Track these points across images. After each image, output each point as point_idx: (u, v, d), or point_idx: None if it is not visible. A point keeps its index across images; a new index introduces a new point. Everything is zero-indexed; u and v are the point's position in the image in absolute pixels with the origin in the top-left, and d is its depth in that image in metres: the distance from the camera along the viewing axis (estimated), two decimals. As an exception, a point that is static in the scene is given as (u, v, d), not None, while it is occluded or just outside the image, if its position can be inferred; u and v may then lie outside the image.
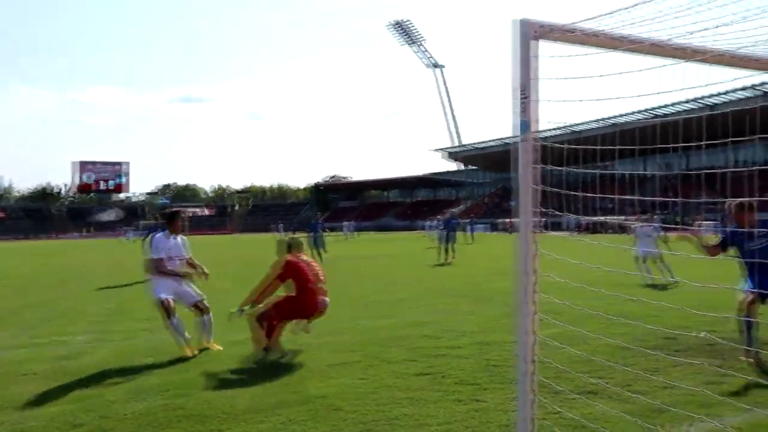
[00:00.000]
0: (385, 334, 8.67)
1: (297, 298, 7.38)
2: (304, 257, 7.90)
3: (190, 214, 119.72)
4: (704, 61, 3.21)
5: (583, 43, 3.20)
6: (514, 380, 3.97)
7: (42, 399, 5.86)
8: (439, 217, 37.00)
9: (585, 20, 3.07)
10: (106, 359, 7.47)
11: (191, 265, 8.02)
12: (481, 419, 4.96)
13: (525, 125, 3.22)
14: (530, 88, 3.17)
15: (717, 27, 2.85)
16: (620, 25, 3.03)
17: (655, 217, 16.30)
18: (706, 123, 3.52)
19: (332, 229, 49.30)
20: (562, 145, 4.21)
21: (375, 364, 6.89)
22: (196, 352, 7.52)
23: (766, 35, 3.13)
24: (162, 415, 5.25)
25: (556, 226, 41.33)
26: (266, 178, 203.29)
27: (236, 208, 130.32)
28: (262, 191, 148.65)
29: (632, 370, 5.92)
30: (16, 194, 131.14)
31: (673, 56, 3.21)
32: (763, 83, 47.47)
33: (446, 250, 23.77)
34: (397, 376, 6.33)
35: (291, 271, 7.40)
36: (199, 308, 7.80)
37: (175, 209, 8.69)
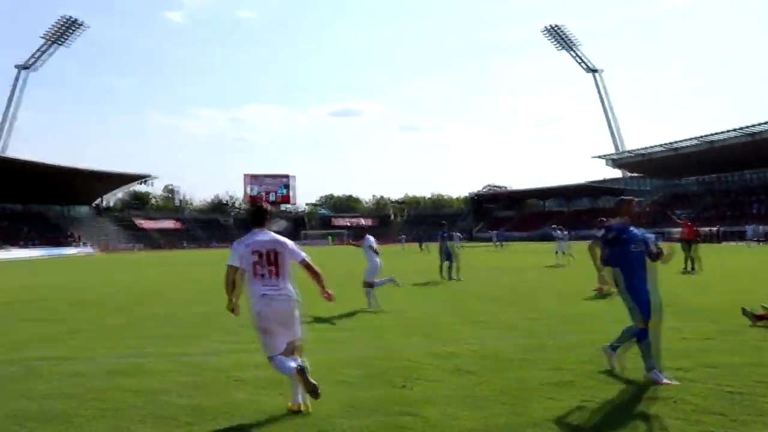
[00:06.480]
0: (590, 351, 8.01)
1: None
2: None
3: (348, 224, 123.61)
4: None
5: None
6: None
7: (257, 408, 5.87)
8: (554, 225, 35.73)
9: None
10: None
11: None
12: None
13: None
14: None
15: None
16: None
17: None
18: None
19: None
20: None
21: (595, 385, 6.35)
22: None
23: None
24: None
25: None
26: (423, 189, 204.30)
27: (393, 218, 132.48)
28: (417, 202, 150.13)
29: None
30: (191, 207, 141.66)
31: None
32: None
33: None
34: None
35: None
36: None
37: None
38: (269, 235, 5.82)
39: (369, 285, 13.73)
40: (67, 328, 11.71)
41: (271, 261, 5.65)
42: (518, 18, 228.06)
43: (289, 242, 5.87)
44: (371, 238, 14.22)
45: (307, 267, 5.81)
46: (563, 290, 16.26)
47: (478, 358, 7.76)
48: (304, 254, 5.79)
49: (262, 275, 5.62)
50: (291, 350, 5.71)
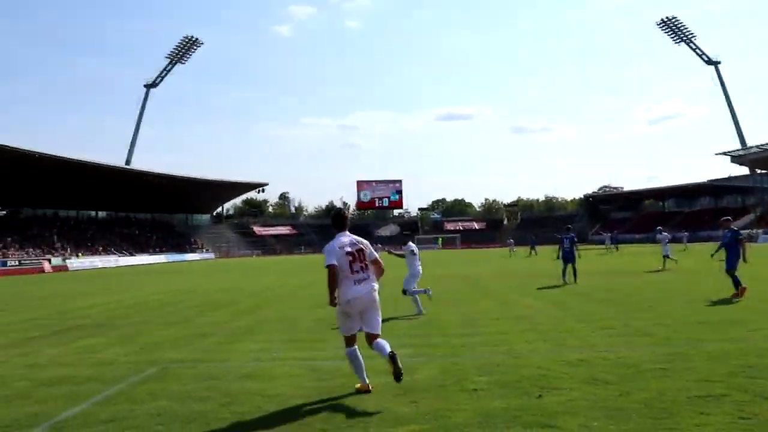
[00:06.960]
0: (739, 362, 7.41)
1: None
2: None
3: (460, 227, 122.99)
4: None
5: None
6: None
7: (387, 416, 5.75)
8: (659, 228, 33.86)
9: None
10: (437, 377, 7.27)
11: None
12: None
13: None
14: None
15: None
16: None
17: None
18: None
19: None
20: None
21: (750, 399, 5.81)
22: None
23: None
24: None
25: None
26: (535, 191, 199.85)
27: (505, 221, 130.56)
28: (530, 204, 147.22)
29: None
30: (305, 213, 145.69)
31: None
32: None
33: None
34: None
35: None
36: None
37: None
38: (351, 236, 6.75)
39: (404, 292, 13.79)
40: (195, 331, 12.14)
41: (360, 258, 6.57)
42: (627, 11, 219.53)
43: (366, 242, 6.84)
44: (412, 244, 14.08)
45: (377, 264, 6.74)
46: (689, 295, 15.30)
47: (614, 367, 7.34)
48: (376, 254, 6.71)
49: (357, 271, 6.51)
50: (371, 339, 6.55)
